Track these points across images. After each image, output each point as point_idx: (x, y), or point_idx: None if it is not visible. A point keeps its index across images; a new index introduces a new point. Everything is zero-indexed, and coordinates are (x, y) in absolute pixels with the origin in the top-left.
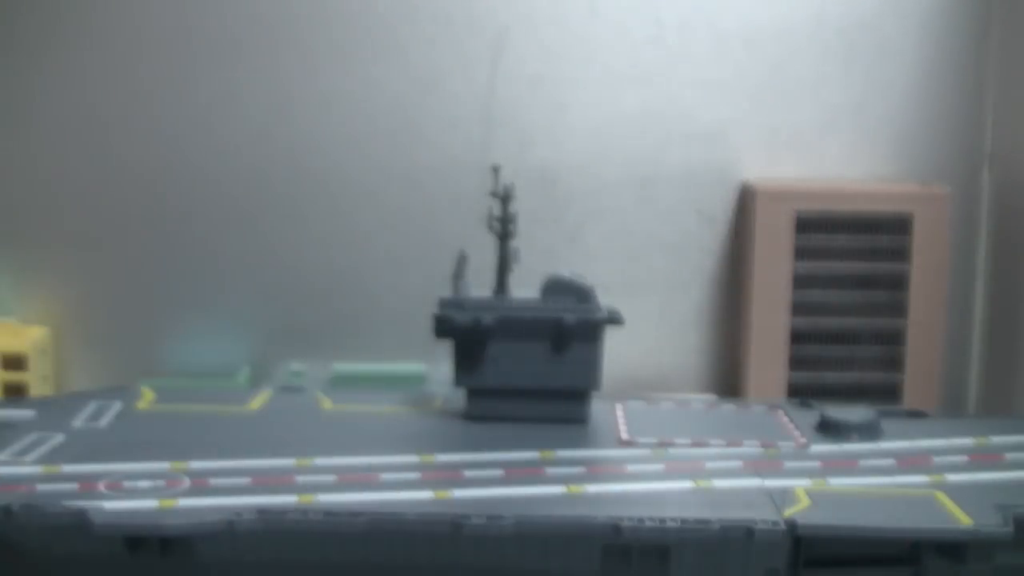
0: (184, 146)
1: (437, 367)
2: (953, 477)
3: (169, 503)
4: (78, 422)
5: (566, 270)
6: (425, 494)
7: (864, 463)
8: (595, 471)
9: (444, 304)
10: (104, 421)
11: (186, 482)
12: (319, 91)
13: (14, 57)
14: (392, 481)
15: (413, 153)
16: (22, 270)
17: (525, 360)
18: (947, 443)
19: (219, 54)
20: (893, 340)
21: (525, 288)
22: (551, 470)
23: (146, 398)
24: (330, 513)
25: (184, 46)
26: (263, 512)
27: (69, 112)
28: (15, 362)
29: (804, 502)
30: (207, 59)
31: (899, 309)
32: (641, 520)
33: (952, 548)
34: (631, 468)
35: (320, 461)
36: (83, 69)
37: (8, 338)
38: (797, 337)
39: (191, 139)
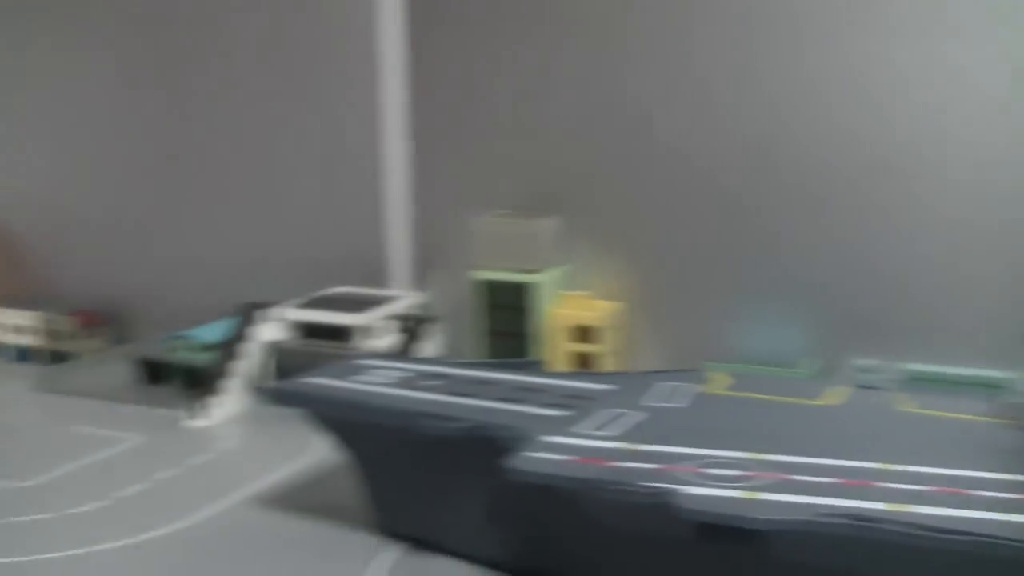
0: (754, 133)
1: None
2: None
3: (752, 495)
4: (654, 401)
5: None
6: (1020, 518)
7: None
8: None
9: None
10: (680, 402)
11: (768, 474)
12: (894, 72)
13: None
14: (985, 500)
15: (1001, 137)
16: (599, 246)
17: None
18: None
19: (796, 37)
20: None
21: None
22: None
23: (720, 382)
24: (929, 528)
25: (769, 28)
26: (856, 517)
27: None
28: (586, 334)
29: None
30: (783, 43)
31: None
32: None
33: None
34: None
35: (902, 467)
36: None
37: (581, 310)
38: None
39: (761, 127)
